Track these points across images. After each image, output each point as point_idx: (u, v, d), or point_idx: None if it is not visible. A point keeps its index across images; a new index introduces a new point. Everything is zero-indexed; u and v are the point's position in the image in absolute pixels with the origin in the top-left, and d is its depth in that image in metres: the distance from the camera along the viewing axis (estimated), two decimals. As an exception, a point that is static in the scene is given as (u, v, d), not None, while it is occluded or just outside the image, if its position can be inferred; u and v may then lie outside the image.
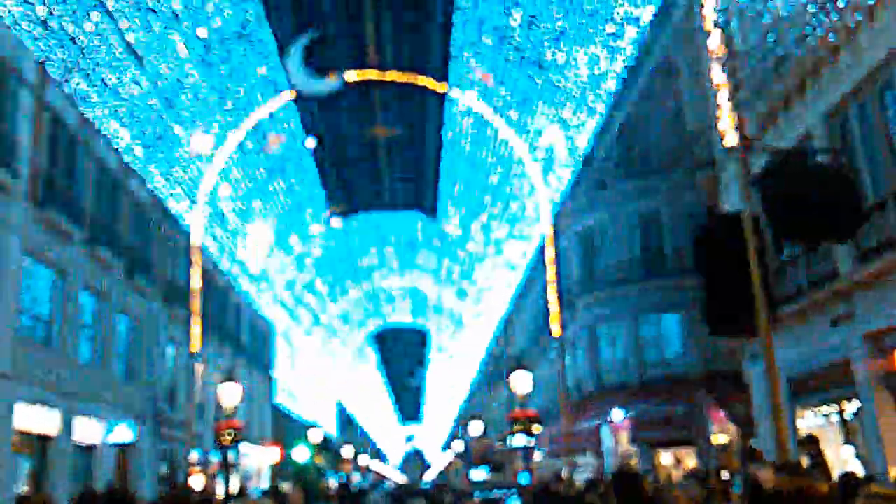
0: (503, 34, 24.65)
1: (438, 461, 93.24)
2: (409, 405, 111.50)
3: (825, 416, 13.95)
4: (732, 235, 9.42)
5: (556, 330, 26.92)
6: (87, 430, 20.12)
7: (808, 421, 14.24)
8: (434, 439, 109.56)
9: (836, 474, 10.32)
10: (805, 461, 10.57)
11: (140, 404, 23.81)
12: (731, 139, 14.45)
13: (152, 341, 25.26)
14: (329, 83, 22.20)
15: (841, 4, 11.55)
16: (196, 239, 25.77)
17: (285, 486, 19.10)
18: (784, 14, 13.23)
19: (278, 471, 38.76)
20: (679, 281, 26.17)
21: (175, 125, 25.45)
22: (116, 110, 21.76)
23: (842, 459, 12.76)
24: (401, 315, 62.64)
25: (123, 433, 22.24)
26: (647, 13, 20.52)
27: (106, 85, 20.83)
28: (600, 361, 29.46)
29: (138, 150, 23.51)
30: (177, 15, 21.77)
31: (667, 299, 27.34)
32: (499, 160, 31.81)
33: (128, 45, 21.10)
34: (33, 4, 17.39)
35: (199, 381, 27.95)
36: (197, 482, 23.46)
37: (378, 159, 40.57)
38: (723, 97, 15.49)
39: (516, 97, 26.02)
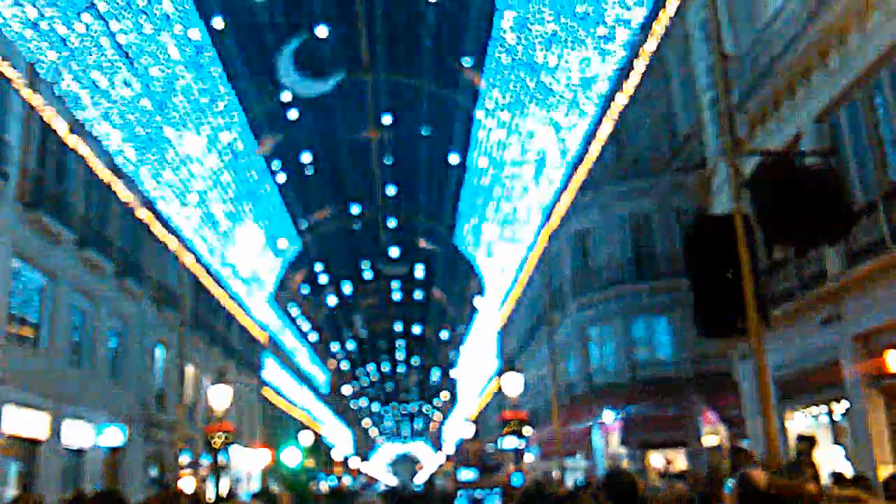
0: (494, 36, 24.69)
1: (430, 463, 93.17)
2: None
3: (815, 416, 14.01)
4: (723, 237, 9.45)
5: (547, 331, 26.96)
6: (77, 433, 20.02)
7: (798, 421, 14.30)
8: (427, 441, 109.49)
9: (825, 475, 10.38)
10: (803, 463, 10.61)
11: (130, 407, 23.72)
12: (722, 141, 14.50)
13: (142, 344, 25.16)
14: (321, 84, 22.18)
15: (831, 7, 11.62)
16: (186, 241, 25.74)
17: (275, 489, 19.04)
18: (774, 16, 13.31)
19: (269, 473, 38.66)
20: (670, 282, 26.26)
21: (166, 126, 25.39)
22: (107, 112, 21.69)
23: (831, 460, 12.82)
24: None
25: (113, 436, 22.15)
26: (637, 16, 20.57)
27: (97, 87, 20.76)
28: (591, 363, 29.51)
29: (129, 152, 23.43)
30: (168, 16, 21.73)
31: (657, 301, 27.43)
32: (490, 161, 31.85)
33: (119, 46, 21.02)
34: (23, 5, 17.32)
35: (189, 384, 27.88)
36: (187, 485, 23.38)
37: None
38: (713, 99, 15.56)
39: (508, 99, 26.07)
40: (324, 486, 41.09)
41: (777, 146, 13.51)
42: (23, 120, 17.60)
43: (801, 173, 8.62)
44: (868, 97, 11.52)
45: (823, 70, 12.26)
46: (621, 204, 28.84)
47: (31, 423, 17.76)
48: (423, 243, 42.57)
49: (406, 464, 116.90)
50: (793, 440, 13.35)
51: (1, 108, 16.83)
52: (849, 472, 11.03)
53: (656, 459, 25.79)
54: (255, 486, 35.52)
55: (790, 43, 12.70)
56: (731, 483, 12.36)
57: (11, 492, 16.70)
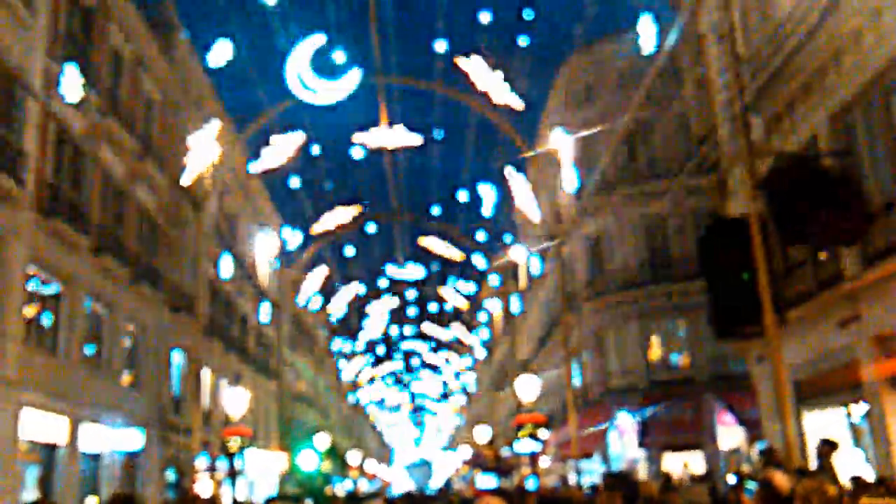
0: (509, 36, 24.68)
1: (446, 467, 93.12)
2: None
3: (832, 418, 13.90)
4: (738, 239, 9.43)
5: (562, 334, 26.86)
6: (95, 438, 20.15)
7: (815, 423, 14.19)
8: (442, 444, 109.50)
9: (843, 478, 10.30)
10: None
11: (147, 411, 23.84)
12: (737, 143, 14.44)
13: (159, 348, 25.29)
14: (331, 92, 22.24)
15: (846, 6, 11.56)
16: (201, 245, 25.86)
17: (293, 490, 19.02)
18: (788, 16, 13.24)
19: (285, 478, 38.75)
20: (685, 285, 26.18)
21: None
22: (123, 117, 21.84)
23: (850, 463, 12.71)
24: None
25: (130, 440, 22.27)
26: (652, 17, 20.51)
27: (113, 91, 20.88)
28: (607, 365, 29.43)
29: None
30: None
31: (673, 303, 27.34)
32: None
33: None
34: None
35: (205, 388, 27.99)
36: (204, 489, 23.47)
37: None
38: (728, 101, 15.49)
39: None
40: (339, 490, 41.14)
41: (792, 147, 13.44)
42: (39, 127, 17.74)
43: (817, 174, 8.58)
44: (884, 97, 11.44)
45: (838, 70, 12.19)
46: (636, 206, 28.77)
47: (49, 427, 17.89)
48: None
49: (423, 468, 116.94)
50: (810, 442, 13.28)
51: (17, 115, 16.95)
52: (868, 475, 10.94)
53: (673, 462, 25.68)
54: (273, 489, 35.60)
55: (804, 43, 12.63)
56: (752, 486, 12.29)
57: (31, 496, 16.83)
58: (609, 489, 10.01)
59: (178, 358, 27.35)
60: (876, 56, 11.21)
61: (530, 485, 22.90)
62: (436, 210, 40.17)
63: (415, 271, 47.42)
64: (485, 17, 22.91)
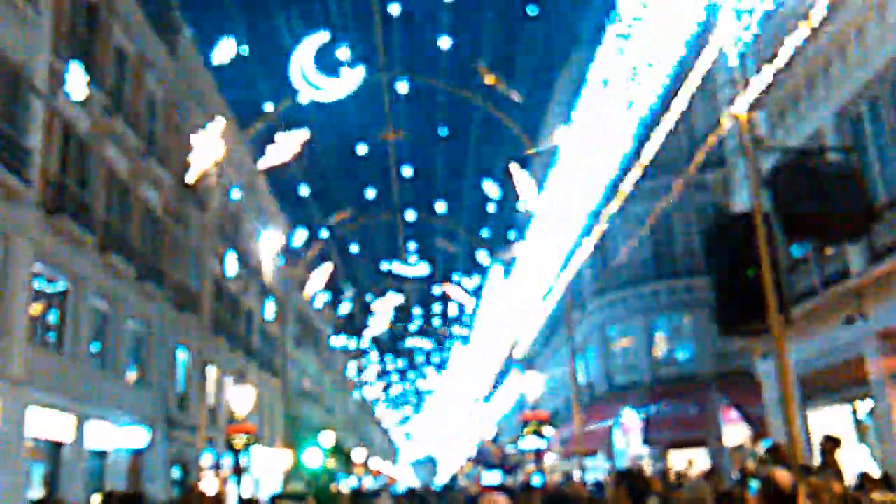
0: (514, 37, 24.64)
1: (451, 464, 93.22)
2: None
3: (838, 415, 13.88)
4: (743, 235, 9.39)
5: (567, 331, 26.85)
6: (100, 435, 20.20)
7: (821, 420, 14.17)
8: (446, 441, 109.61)
9: (848, 475, 10.29)
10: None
11: (152, 409, 23.90)
12: (741, 138, 14.38)
13: (164, 346, 25.33)
14: (336, 88, 22.30)
15: (851, 1, 11.51)
16: (205, 243, 25.90)
17: (297, 487, 19.04)
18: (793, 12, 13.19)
19: (290, 475, 38.82)
20: (690, 281, 26.13)
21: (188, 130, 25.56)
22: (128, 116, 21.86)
23: (855, 459, 12.69)
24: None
25: (136, 438, 22.32)
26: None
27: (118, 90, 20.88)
28: (612, 362, 29.40)
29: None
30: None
31: (678, 299, 27.27)
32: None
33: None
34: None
35: (210, 386, 28.02)
36: (209, 486, 23.52)
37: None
38: (732, 96, 15.44)
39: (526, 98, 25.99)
40: (344, 487, 41.20)
41: (797, 142, 13.41)
42: (44, 126, 17.77)
43: (822, 170, 8.53)
44: (889, 91, 11.41)
45: (843, 64, 12.15)
46: (640, 202, 28.67)
47: (55, 425, 17.94)
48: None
49: (428, 465, 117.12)
50: (816, 439, 13.26)
51: (22, 113, 16.99)
52: (874, 471, 10.93)
53: (677, 459, 25.65)
54: (278, 486, 35.67)
55: (809, 37, 12.58)
56: (755, 483, 12.27)
57: (37, 494, 16.88)
58: (618, 484, 10.02)
59: (183, 355, 27.39)
60: (880, 51, 11.17)
61: (535, 481, 22.90)
62: (440, 206, 40.19)
63: (420, 268, 47.45)
64: (489, 15, 22.88)
